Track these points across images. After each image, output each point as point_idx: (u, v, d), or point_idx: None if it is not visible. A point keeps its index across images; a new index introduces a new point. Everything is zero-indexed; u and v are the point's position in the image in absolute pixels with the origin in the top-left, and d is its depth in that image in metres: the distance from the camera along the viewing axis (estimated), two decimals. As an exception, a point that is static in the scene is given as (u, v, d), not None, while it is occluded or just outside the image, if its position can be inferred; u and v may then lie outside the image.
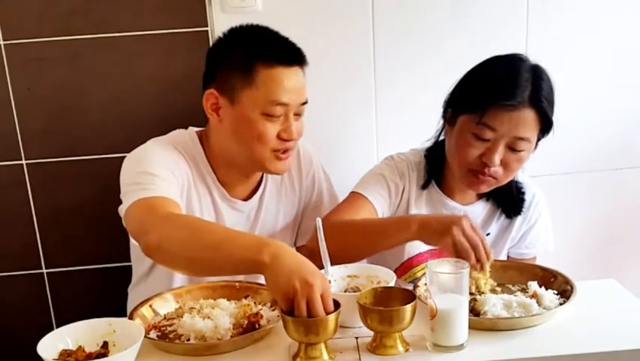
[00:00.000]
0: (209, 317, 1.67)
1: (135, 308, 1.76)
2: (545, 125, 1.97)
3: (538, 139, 2.01)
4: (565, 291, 1.77)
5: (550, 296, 1.74)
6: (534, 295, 1.75)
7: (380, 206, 2.12)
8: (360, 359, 1.54)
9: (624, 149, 2.67)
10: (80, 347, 1.54)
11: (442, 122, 2.13)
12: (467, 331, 1.57)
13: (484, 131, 1.95)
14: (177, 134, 2.09)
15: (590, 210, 2.73)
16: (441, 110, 2.11)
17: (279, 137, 1.93)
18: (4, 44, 2.38)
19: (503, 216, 2.21)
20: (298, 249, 2.26)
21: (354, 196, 2.13)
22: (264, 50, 1.89)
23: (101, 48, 2.41)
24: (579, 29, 2.53)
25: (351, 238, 1.93)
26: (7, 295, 2.61)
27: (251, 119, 1.90)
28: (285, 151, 1.96)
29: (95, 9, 2.37)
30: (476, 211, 2.19)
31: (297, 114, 1.96)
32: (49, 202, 2.49)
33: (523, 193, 2.20)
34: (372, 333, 1.58)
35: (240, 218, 2.12)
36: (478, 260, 1.74)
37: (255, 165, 2.00)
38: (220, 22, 2.40)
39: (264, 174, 2.14)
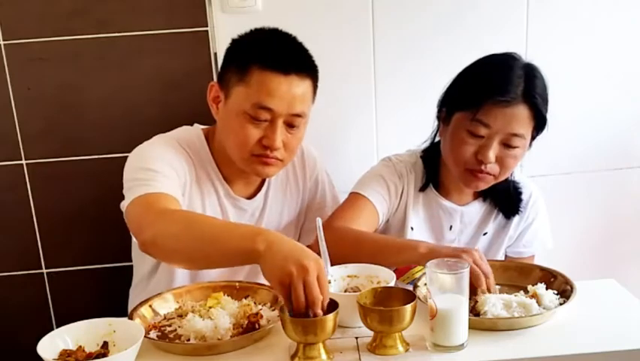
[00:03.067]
0: (209, 317, 1.67)
1: (135, 308, 1.76)
2: (539, 122, 1.98)
3: (533, 137, 2.02)
4: (565, 291, 1.77)
5: (550, 296, 1.74)
6: (534, 295, 1.75)
7: (381, 206, 2.12)
8: (360, 359, 1.54)
9: (624, 149, 2.67)
10: (80, 347, 1.54)
11: (437, 122, 2.14)
12: (467, 331, 1.57)
13: (478, 128, 1.96)
14: (183, 130, 2.09)
15: (590, 210, 2.73)
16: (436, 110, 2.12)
17: (261, 142, 1.91)
18: (4, 44, 2.38)
19: (500, 216, 2.21)
20: None
21: (354, 197, 2.13)
22: (264, 52, 1.89)
23: (101, 48, 2.41)
24: (579, 29, 2.53)
25: (356, 252, 1.90)
26: (7, 295, 2.61)
27: (236, 116, 1.90)
28: (265, 157, 1.93)
29: (95, 9, 2.37)
30: (473, 211, 2.20)
31: (290, 125, 1.93)
32: (49, 202, 2.49)
33: (520, 193, 2.20)
34: (372, 333, 1.58)
35: (244, 216, 2.12)
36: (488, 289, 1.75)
37: (237, 163, 1.99)
38: (220, 22, 2.40)
39: None
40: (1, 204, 2.52)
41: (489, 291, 1.74)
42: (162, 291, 1.86)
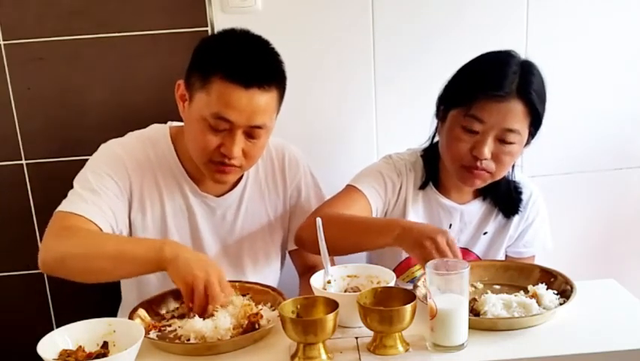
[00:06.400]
0: (209, 317, 1.68)
1: (135, 308, 1.76)
2: (535, 119, 1.97)
3: (531, 134, 2.01)
4: (565, 291, 1.77)
5: (550, 296, 1.74)
6: (534, 295, 1.75)
7: (374, 202, 2.11)
8: (360, 359, 1.54)
9: (624, 149, 2.67)
10: (80, 347, 1.54)
11: (435, 121, 2.14)
12: (467, 331, 1.57)
13: (472, 123, 1.95)
14: (151, 130, 2.11)
15: (590, 210, 2.73)
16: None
17: (219, 149, 1.90)
18: (4, 44, 2.38)
19: (500, 215, 2.20)
20: (290, 253, 2.28)
21: (348, 189, 2.13)
22: (226, 63, 1.85)
23: (101, 48, 2.41)
24: (579, 28, 2.53)
25: (335, 232, 1.88)
26: (6, 295, 2.62)
27: (197, 121, 1.89)
28: (222, 165, 1.93)
29: (95, 9, 2.38)
30: (473, 210, 2.19)
31: (251, 136, 1.91)
32: (49, 202, 2.47)
33: (520, 192, 2.19)
34: (372, 333, 1.58)
35: (214, 217, 2.12)
36: None
37: (198, 165, 2.00)
38: (220, 22, 2.40)
39: (244, 175, 2.13)
40: (1, 203, 2.53)
41: None
42: (163, 289, 1.87)
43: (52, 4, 2.36)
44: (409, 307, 1.52)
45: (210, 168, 1.94)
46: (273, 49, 1.94)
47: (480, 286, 1.89)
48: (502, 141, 1.96)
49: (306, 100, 2.46)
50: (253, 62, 1.87)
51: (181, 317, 1.76)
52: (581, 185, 2.69)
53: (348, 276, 1.84)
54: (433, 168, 2.17)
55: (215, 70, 1.84)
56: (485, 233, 2.21)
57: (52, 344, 1.52)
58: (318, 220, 1.78)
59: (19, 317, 2.63)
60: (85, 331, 1.58)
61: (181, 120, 2.01)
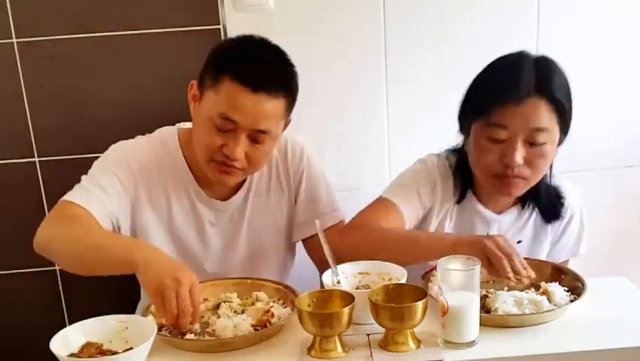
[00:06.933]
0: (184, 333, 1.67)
1: (148, 305, 1.77)
2: (562, 114, 1.90)
3: (562, 130, 1.94)
4: (576, 288, 1.77)
5: (560, 293, 1.74)
6: (544, 292, 1.75)
7: (408, 213, 2.05)
8: (371, 355, 1.55)
9: (637, 146, 2.66)
10: (95, 343, 1.55)
11: (461, 136, 2.08)
12: (478, 328, 1.58)
13: (496, 132, 1.90)
14: (160, 132, 2.12)
15: (601, 207, 2.71)
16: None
17: (222, 149, 1.91)
18: (17, 42, 2.39)
19: (538, 222, 2.15)
20: (306, 246, 2.26)
21: (383, 202, 2.07)
22: (237, 64, 1.86)
23: (112, 46, 2.42)
24: (590, 25, 2.52)
25: (379, 251, 1.87)
26: (20, 292, 2.63)
27: (204, 120, 1.91)
28: (224, 165, 1.94)
29: (108, 7, 2.39)
30: (508, 220, 2.13)
31: (255, 140, 1.92)
32: (62, 199, 2.50)
33: (561, 197, 2.13)
34: (383, 330, 1.58)
35: (222, 218, 2.12)
36: (515, 271, 1.70)
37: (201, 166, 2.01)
38: (232, 21, 2.40)
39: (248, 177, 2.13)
40: (14, 201, 2.54)
41: (517, 273, 1.70)
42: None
43: (65, 3, 2.37)
44: (420, 304, 1.52)
45: (212, 168, 1.95)
46: (288, 60, 1.94)
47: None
48: (532, 143, 1.89)
49: (316, 98, 2.46)
50: (264, 68, 1.89)
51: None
52: (592, 183, 2.68)
53: (360, 273, 1.84)
54: (468, 178, 2.09)
55: (226, 70, 1.86)
56: (519, 242, 2.13)
57: (64, 340, 1.53)
58: (317, 223, 1.81)
59: (32, 314, 2.64)
60: (97, 328, 1.59)
61: (191, 119, 2.02)
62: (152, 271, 1.63)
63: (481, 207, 2.11)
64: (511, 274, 1.69)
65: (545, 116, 1.88)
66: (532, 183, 1.98)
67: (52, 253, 1.89)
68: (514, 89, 1.86)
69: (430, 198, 2.09)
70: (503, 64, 1.95)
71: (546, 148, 1.91)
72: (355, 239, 1.91)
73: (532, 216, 2.14)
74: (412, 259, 1.90)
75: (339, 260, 1.84)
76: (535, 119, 1.87)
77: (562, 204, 2.13)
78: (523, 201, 2.12)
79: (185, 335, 1.64)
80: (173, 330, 1.66)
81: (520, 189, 1.97)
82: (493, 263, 1.70)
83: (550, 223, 2.15)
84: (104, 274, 1.83)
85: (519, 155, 1.88)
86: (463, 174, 2.09)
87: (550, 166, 2.05)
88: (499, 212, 2.12)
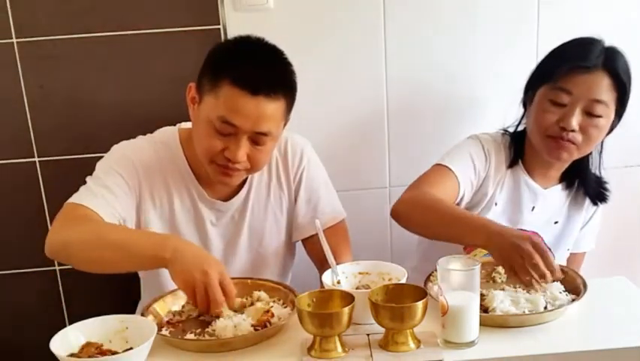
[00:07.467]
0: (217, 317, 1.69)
1: (148, 305, 1.78)
2: (622, 95, 2.01)
3: (617, 113, 2.04)
4: (576, 288, 1.77)
5: (557, 286, 1.76)
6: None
7: (463, 179, 2.11)
8: (371, 355, 1.55)
9: (637, 146, 2.66)
10: (95, 343, 1.55)
11: (522, 110, 2.18)
12: (478, 327, 1.58)
13: (560, 95, 2.00)
14: (161, 132, 2.12)
15: (602, 207, 2.72)
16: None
17: (224, 153, 1.91)
18: (17, 42, 2.39)
19: (573, 206, 2.24)
20: (305, 246, 2.25)
21: (439, 168, 2.12)
22: (236, 68, 1.86)
23: (112, 46, 2.42)
24: (590, 25, 2.50)
25: (429, 219, 1.97)
26: (20, 292, 2.63)
27: (204, 123, 1.90)
28: (226, 168, 1.94)
29: (108, 7, 2.38)
30: (554, 195, 2.21)
31: (256, 142, 1.92)
32: (62, 200, 2.48)
33: (606, 182, 2.25)
34: (383, 330, 1.58)
35: (223, 218, 2.12)
36: (542, 277, 1.69)
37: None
38: (232, 21, 2.40)
39: (249, 176, 2.13)
40: (14, 201, 2.54)
41: (545, 280, 1.69)
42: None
43: (65, 3, 2.36)
44: (420, 304, 1.52)
45: (214, 170, 1.95)
46: (285, 59, 1.94)
47: (501, 279, 1.91)
48: (589, 113, 2.00)
49: (317, 99, 2.46)
50: (263, 70, 1.88)
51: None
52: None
53: (360, 273, 1.85)
54: (520, 149, 2.19)
55: (224, 74, 1.85)
56: (556, 222, 2.24)
57: (64, 340, 1.53)
58: (317, 222, 1.83)
59: (32, 314, 2.64)
60: (97, 327, 1.59)
61: (191, 120, 2.02)
62: (181, 266, 1.67)
63: (529, 180, 2.18)
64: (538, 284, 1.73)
65: (606, 90, 1.99)
66: (582, 153, 2.08)
67: (69, 257, 1.87)
68: (585, 59, 1.98)
69: (485, 167, 2.16)
70: (578, 41, 2.06)
71: (601, 121, 2.02)
72: (409, 204, 2.02)
73: (569, 198, 2.24)
74: (448, 236, 1.96)
75: (397, 220, 2.03)
76: (597, 90, 1.99)
77: (606, 189, 2.24)
78: (569, 179, 2.21)
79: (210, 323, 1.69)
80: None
81: (570, 154, 2.06)
82: (528, 267, 1.69)
83: (582, 211, 2.25)
84: (128, 271, 1.87)
85: (575, 120, 1.99)
86: (517, 142, 2.19)
87: (600, 155, 2.19)
88: (546, 187, 2.20)
